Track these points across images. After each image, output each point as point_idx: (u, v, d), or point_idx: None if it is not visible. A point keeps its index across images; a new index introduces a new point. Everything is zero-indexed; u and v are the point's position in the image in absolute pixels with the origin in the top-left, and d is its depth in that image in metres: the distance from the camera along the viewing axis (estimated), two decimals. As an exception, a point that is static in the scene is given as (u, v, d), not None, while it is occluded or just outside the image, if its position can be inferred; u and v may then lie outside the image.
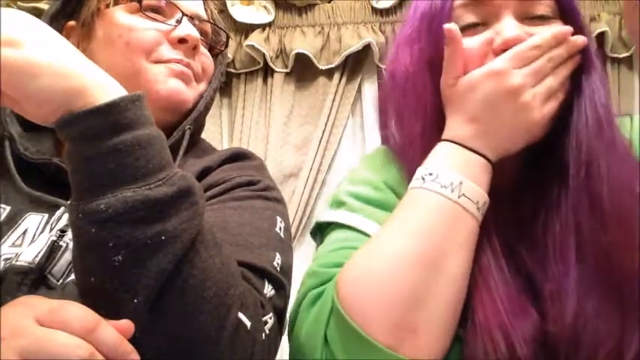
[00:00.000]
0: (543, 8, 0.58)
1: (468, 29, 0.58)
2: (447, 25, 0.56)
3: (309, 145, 1.99)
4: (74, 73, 0.44)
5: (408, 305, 0.49)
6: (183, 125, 0.69)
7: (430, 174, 0.54)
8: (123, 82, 0.47)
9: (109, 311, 0.43)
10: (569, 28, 0.55)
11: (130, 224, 0.43)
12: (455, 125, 0.56)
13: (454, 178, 0.53)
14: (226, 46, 0.80)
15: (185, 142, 0.67)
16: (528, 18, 0.57)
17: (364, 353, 0.48)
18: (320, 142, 1.97)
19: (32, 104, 0.44)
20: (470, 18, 0.58)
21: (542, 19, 0.58)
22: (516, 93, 0.53)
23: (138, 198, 0.43)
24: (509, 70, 0.53)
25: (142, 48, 0.66)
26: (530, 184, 0.60)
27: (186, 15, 0.70)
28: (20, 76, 0.42)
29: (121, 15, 0.68)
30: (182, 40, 0.68)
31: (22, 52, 0.42)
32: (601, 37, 1.85)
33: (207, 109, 0.74)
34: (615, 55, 1.87)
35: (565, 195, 0.55)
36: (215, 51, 0.78)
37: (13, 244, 0.56)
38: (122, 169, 0.43)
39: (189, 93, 0.69)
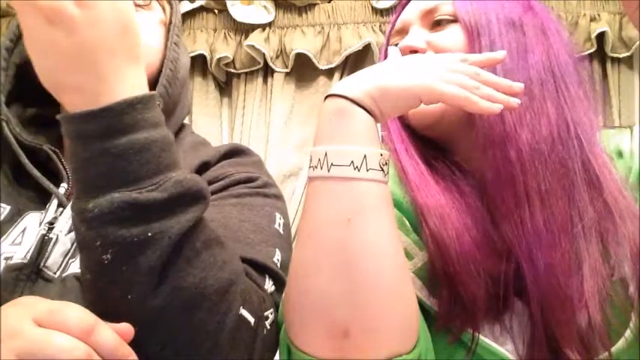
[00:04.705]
0: (440, 14, 0.65)
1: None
2: None
3: (309, 145, 1.99)
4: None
5: (327, 312, 0.45)
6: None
7: (310, 160, 0.49)
8: None
9: (106, 309, 0.43)
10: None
11: (115, 224, 0.43)
12: None
13: (320, 152, 0.47)
14: None
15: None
16: (431, 26, 0.66)
17: None
18: (320, 141, 1.97)
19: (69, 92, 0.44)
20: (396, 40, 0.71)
21: (440, 25, 0.66)
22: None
23: (125, 199, 0.43)
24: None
25: None
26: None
27: None
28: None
29: None
30: None
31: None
32: (601, 37, 1.85)
33: (175, 77, 0.68)
34: (615, 55, 1.86)
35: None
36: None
37: (12, 242, 0.57)
38: (113, 173, 0.43)
39: None
